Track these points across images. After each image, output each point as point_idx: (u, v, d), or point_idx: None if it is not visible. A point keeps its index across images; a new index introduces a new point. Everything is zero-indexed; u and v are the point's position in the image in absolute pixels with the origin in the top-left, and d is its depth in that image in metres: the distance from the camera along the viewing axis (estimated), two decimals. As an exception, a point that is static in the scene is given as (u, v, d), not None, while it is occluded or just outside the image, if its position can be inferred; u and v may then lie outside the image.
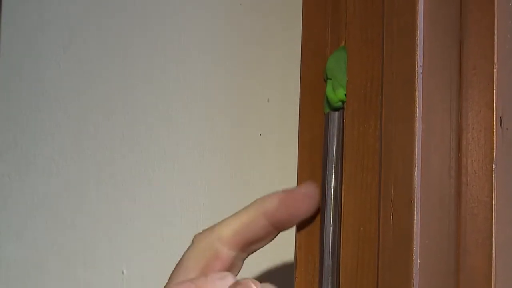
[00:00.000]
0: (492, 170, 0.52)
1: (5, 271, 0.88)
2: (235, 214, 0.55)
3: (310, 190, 0.55)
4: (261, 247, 0.56)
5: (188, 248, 0.55)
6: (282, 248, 0.68)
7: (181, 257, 0.55)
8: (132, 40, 0.84)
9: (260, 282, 0.52)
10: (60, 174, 0.87)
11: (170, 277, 0.55)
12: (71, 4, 0.89)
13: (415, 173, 0.50)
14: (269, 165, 0.72)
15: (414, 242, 0.49)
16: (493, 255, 0.51)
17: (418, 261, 0.49)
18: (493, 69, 0.53)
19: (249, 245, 0.55)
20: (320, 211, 0.56)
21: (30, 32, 0.91)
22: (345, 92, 0.55)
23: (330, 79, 0.56)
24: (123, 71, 0.84)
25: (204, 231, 0.55)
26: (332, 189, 0.55)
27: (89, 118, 0.86)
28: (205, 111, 0.77)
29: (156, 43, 0.82)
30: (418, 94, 0.51)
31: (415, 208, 0.49)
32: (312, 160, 0.57)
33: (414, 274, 0.49)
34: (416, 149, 0.50)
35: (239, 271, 0.56)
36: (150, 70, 0.82)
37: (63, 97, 0.88)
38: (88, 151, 0.85)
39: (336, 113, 0.56)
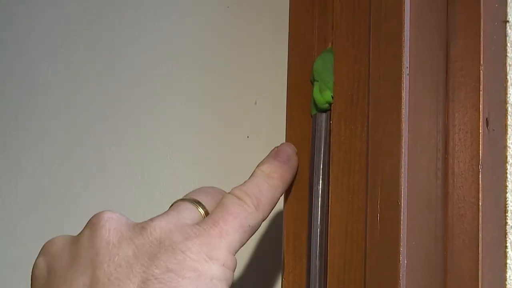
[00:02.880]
0: (479, 171, 0.52)
1: (-6, 274, 0.88)
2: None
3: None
4: None
5: None
6: (270, 250, 0.68)
7: None
8: (121, 44, 0.84)
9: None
10: (50, 176, 0.87)
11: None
12: (62, 8, 0.89)
13: (402, 175, 0.50)
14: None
15: (401, 243, 0.49)
16: (480, 255, 0.51)
17: (405, 262, 0.49)
18: (480, 71, 0.53)
19: None
20: (307, 212, 0.56)
21: (20, 36, 0.91)
22: (332, 94, 0.55)
23: (317, 81, 0.56)
24: (112, 74, 0.84)
25: None
26: (320, 191, 0.55)
27: (79, 121, 0.86)
28: (193, 113, 0.77)
29: (145, 46, 0.82)
30: (405, 95, 0.51)
31: (402, 210, 0.49)
32: (300, 162, 0.57)
33: (401, 275, 0.49)
34: (403, 150, 0.50)
35: None
36: (139, 73, 0.82)
37: (53, 100, 0.88)
38: (78, 153, 0.85)
39: (323, 115, 0.56)
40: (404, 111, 0.51)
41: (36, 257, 0.56)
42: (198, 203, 0.52)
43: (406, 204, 0.50)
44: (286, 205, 0.57)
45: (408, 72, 0.51)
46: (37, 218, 0.86)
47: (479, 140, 0.53)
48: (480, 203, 0.52)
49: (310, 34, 0.59)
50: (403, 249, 0.49)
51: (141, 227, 0.49)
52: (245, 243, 0.51)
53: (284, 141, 0.59)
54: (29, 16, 0.91)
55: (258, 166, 0.55)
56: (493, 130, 0.53)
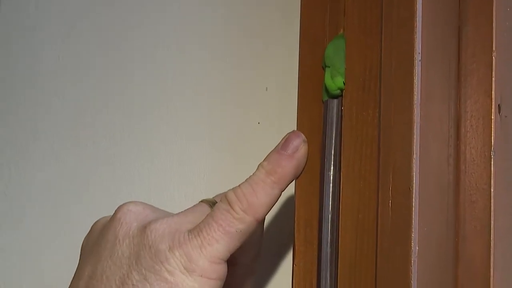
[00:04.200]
0: (491, 158, 0.52)
1: (3, 261, 0.88)
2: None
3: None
4: None
5: None
6: (281, 237, 0.68)
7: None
8: (130, 31, 0.84)
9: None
10: (58, 165, 0.87)
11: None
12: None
13: (414, 161, 0.50)
14: (268, 153, 0.72)
15: (413, 230, 0.49)
16: (492, 242, 0.51)
17: (417, 248, 0.49)
18: (492, 57, 0.53)
19: None
20: (318, 199, 0.56)
21: (28, 24, 0.91)
22: (343, 80, 0.55)
23: (329, 67, 0.56)
24: (121, 62, 0.84)
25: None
26: (331, 177, 0.55)
27: (88, 110, 0.86)
28: (204, 100, 0.77)
29: (155, 33, 0.82)
30: (417, 82, 0.51)
31: (414, 196, 0.49)
32: (311, 148, 0.57)
33: (412, 262, 0.49)
34: (415, 136, 0.50)
35: None
36: (149, 60, 0.82)
37: (62, 88, 0.88)
38: (87, 142, 0.85)
39: (335, 101, 0.56)
40: (416, 97, 0.51)
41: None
42: (209, 202, 0.54)
43: (417, 190, 0.50)
44: (297, 191, 0.57)
45: (420, 58, 0.51)
46: (46, 205, 0.87)
47: (491, 127, 0.52)
48: (492, 190, 0.52)
49: (321, 20, 0.59)
50: (414, 236, 0.49)
51: (144, 227, 0.50)
52: (238, 246, 0.51)
53: (295, 127, 0.58)
54: (38, 2, 0.91)
55: (263, 160, 0.55)
56: (505, 116, 0.53)
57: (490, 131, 0.52)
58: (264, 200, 0.52)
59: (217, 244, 0.49)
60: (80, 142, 0.85)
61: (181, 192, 0.77)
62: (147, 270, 0.47)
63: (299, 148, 0.55)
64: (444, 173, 0.52)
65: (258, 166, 0.54)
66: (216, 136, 0.75)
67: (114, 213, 0.52)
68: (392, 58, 0.52)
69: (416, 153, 0.50)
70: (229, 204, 0.51)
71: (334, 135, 0.55)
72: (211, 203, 0.53)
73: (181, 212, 0.52)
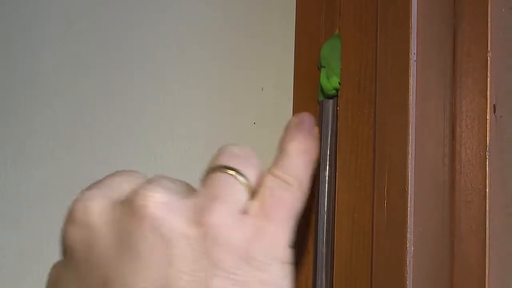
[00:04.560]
0: (486, 158, 0.52)
1: (1, 259, 0.88)
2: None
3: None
4: None
5: None
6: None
7: None
8: (128, 30, 0.84)
9: None
10: (56, 163, 0.87)
11: None
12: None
13: (409, 161, 0.50)
14: (263, 154, 0.72)
15: (408, 230, 0.49)
16: (487, 242, 0.51)
17: (412, 248, 0.49)
18: (487, 57, 0.53)
19: None
20: (314, 199, 0.56)
21: (26, 21, 0.91)
22: (339, 80, 0.55)
23: (324, 67, 0.56)
24: (120, 62, 0.84)
25: None
26: (326, 177, 0.55)
27: (86, 107, 0.86)
28: (200, 100, 0.77)
29: (153, 33, 0.82)
30: (412, 81, 0.51)
31: (409, 196, 0.49)
32: (306, 148, 0.57)
33: (407, 262, 0.49)
34: (410, 136, 0.50)
35: None
36: (147, 60, 0.82)
37: (59, 86, 0.88)
38: (85, 140, 0.85)
39: (330, 101, 0.56)
40: (412, 97, 0.51)
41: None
42: (239, 174, 0.45)
43: (413, 190, 0.50)
44: (292, 191, 0.57)
45: (415, 58, 0.51)
46: (44, 204, 0.86)
47: (487, 127, 0.52)
48: (487, 190, 0.52)
49: (317, 20, 0.59)
50: (410, 235, 0.49)
51: (196, 223, 0.41)
52: None
53: (291, 127, 0.58)
54: (36, 1, 0.91)
55: (287, 142, 0.50)
56: (501, 116, 0.53)
57: (485, 131, 0.52)
58: (307, 178, 0.48)
59: (288, 227, 0.44)
60: (78, 141, 0.85)
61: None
62: (230, 272, 0.40)
63: (315, 127, 0.52)
64: (440, 173, 0.52)
65: (288, 147, 0.50)
66: (211, 136, 0.75)
67: (136, 207, 0.42)
68: (387, 58, 0.52)
69: (411, 153, 0.50)
70: (287, 182, 0.47)
71: (329, 135, 0.55)
72: (235, 171, 0.45)
73: (211, 193, 0.43)
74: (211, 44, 0.77)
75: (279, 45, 0.71)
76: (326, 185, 0.55)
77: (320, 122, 0.56)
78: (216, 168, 0.45)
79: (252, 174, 0.46)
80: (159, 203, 0.41)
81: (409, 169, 0.50)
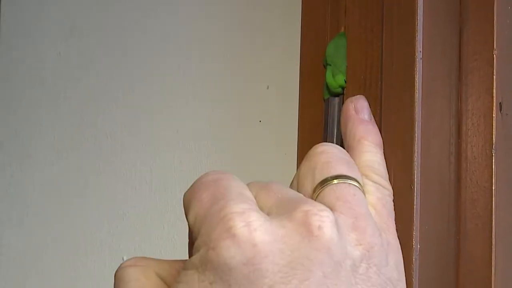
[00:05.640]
0: (492, 156, 0.52)
1: (6, 258, 0.88)
2: None
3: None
4: None
5: None
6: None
7: None
8: (133, 31, 0.84)
9: None
10: (60, 164, 0.87)
11: None
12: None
13: (415, 159, 0.50)
14: (269, 151, 0.72)
15: (414, 228, 0.49)
16: (493, 240, 0.51)
17: (418, 246, 0.49)
18: (493, 55, 0.53)
19: None
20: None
21: (30, 22, 0.91)
22: (344, 78, 0.55)
23: (330, 65, 0.56)
24: (123, 61, 0.84)
25: None
26: (332, 175, 0.55)
27: (89, 108, 0.86)
28: (205, 99, 0.77)
29: (156, 31, 0.82)
30: (418, 80, 0.51)
31: (415, 194, 0.49)
32: (312, 146, 0.57)
33: (414, 259, 0.48)
34: (416, 135, 0.50)
35: None
36: (151, 58, 0.82)
37: (63, 86, 0.88)
38: (88, 141, 0.85)
39: (336, 99, 0.56)
40: (417, 95, 0.50)
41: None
42: (356, 181, 0.42)
43: (419, 188, 0.50)
44: (298, 189, 0.57)
45: (421, 57, 0.51)
46: (48, 204, 0.87)
47: (493, 125, 0.52)
48: (493, 188, 0.52)
49: (322, 18, 0.59)
50: (416, 234, 0.49)
51: (357, 243, 0.39)
52: None
53: (297, 125, 0.58)
54: (40, 1, 0.91)
55: (361, 135, 0.46)
56: (507, 114, 0.53)
57: (491, 129, 0.52)
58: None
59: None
60: (82, 142, 0.85)
61: (182, 190, 0.77)
62: None
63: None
64: (445, 171, 0.52)
65: (365, 143, 0.46)
66: (217, 134, 0.75)
67: (308, 223, 0.38)
68: (393, 56, 0.52)
69: (417, 151, 0.50)
70: (385, 188, 0.44)
71: (335, 133, 0.55)
72: (356, 182, 0.42)
73: (348, 202, 0.41)
74: (216, 43, 0.77)
75: (285, 44, 0.71)
76: (332, 183, 0.55)
77: (325, 120, 0.56)
78: (337, 177, 0.42)
79: (359, 177, 0.43)
80: (333, 223, 0.38)
81: (415, 167, 0.50)
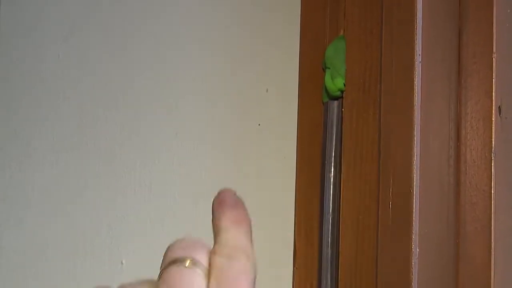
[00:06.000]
0: (491, 159, 0.52)
1: (5, 260, 0.88)
2: None
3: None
4: None
5: None
6: (281, 239, 0.68)
7: None
8: (132, 32, 0.84)
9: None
10: (59, 165, 0.87)
11: None
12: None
13: (414, 162, 0.50)
14: (268, 154, 0.72)
15: (413, 231, 0.49)
16: (492, 244, 0.51)
17: (417, 250, 0.49)
18: (492, 58, 0.53)
19: None
20: (319, 200, 0.56)
21: (30, 23, 0.91)
22: (343, 82, 0.55)
23: (329, 68, 0.56)
24: (123, 62, 0.84)
25: None
26: (331, 179, 0.55)
27: (89, 109, 0.86)
28: (205, 102, 0.77)
29: (156, 34, 0.82)
30: (417, 83, 0.51)
31: (414, 197, 0.49)
32: (311, 149, 0.57)
33: (413, 263, 0.49)
34: (415, 138, 0.50)
35: None
36: (150, 62, 0.82)
37: (63, 87, 0.88)
38: (88, 142, 0.85)
39: (335, 102, 0.56)
40: (417, 98, 0.51)
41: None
42: (192, 262, 0.45)
43: (418, 192, 0.50)
44: (297, 193, 0.58)
45: (420, 60, 0.51)
46: (47, 205, 0.87)
47: (492, 128, 0.52)
48: (492, 191, 0.52)
49: (322, 21, 0.59)
50: (415, 237, 0.49)
51: None
52: None
53: (296, 128, 0.59)
54: (40, 2, 0.91)
55: (217, 220, 0.49)
56: (506, 118, 0.53)
57: (490, 133, 0.52)
58: (251, 245, 0.48)
59: None
60: (82, 143, 0.85)
61: (182, 192, 0.77)
62: None
63: (237, 198, 0.50)
64: (445, 175, 0.52)
65: (220, 224, 0.48)
66: (216, 137, 0.75)
67: None
68: (392, 59, 0.52)
69: (416, 154, 0.50)
70: (236, 257, 0.46)
71: (334, 136, 0.55)
72: (191, 262, 0.46)
73: None
74: (215, 45, 0.77)
75: (284, 47, 0.71)
76: (331, 186, 0.55)
77: (324, 123, 0.56)
78: (171, 262, 0.44)
79: (203, 257, 0.46)
80: None
81: (414, 171, 0.50)
